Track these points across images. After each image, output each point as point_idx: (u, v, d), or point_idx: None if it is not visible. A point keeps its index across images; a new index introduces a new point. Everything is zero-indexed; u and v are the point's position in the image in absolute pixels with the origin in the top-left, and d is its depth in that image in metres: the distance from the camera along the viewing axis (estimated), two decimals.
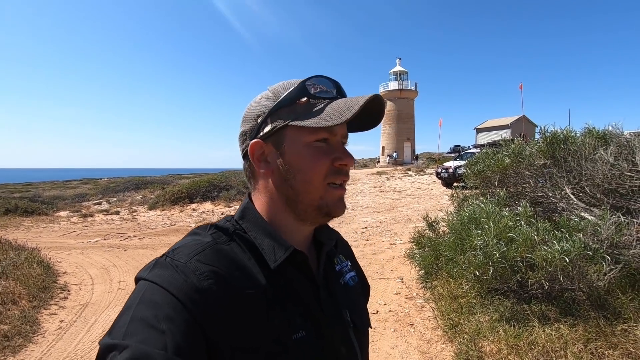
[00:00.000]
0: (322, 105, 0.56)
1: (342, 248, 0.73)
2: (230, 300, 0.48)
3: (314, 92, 0.57)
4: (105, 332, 0.45)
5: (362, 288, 0.74)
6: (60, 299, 4.14)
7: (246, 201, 0.62)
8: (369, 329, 0.69)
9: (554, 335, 2.37)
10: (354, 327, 0.62)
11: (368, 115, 0.60)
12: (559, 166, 3.73)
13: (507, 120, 35.67)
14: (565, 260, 2.36)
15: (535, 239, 2.62)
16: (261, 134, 0.58)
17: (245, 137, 0.60)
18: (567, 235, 2.65)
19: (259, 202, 0.60)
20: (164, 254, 0.52)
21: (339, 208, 0.58)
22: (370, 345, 2.84)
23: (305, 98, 0.56)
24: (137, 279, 0.50)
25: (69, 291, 4.40)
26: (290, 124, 0.55)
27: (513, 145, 3.91)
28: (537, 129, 3.91)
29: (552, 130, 3.64)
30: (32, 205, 12.60)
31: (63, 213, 12.26)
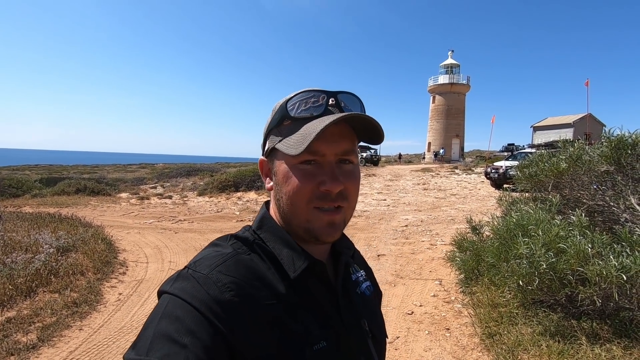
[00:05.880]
0: (306, 125, 0.54)
1: (357, 258, 0.73)
2: (252, 311, 0.49)
3: (295, 113, 0.55)
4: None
5: (376, 295, 0.73)
6: (120, 273, 4.58)
7: (263, 210, 0.62)
8: (386, 339, 0.69)
9: (604, 356, 2.22)
10: (372, 336, 0.61)
11: (365, 132, 0.57)
12: (624, 173, 3.41)
13: (570, 118, 32.74)
14: (623, 278, 2.18)
15: (589, 252, 2.44)
16: (264, 151, 0.61)
17: (262, 150, 0.63)
18: (627, 250, 2.44)
19: (274, 212, 0.61)
20: (186, 266, 0.52)
21: (327, 234, 0.55)
22: (403, 345, 2.85)
23: (289, 120, 0.55)
24: (160, 292, 0.50)
25: (127, 267, 4.85)
26: (275, 146, 0.57)
27: (572, 149, 3.63)
28: (605, 130, 3.56)
29: (618, 134, 3.33)
30: (98, 186, 13.92)
31: (124, 195, 13.40)
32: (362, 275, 0.68)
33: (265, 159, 0.61)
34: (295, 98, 0.55)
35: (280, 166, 0.56)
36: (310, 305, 0.54)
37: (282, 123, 0.56)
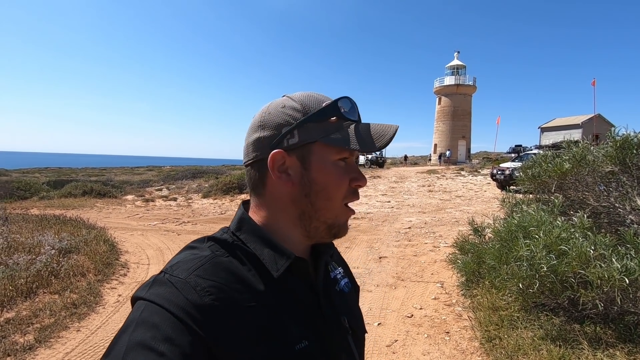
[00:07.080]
0: (352, 126, 0.56)
1: (335, 255, 0.73)
2: (233, 315, 0.47)
3: (343, 113, 0.57)
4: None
5: (354, 290, 0.73)
6: (121, 275, 4.60)
7: (241, 211, 0.60)
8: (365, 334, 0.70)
9: None
10: (352, 333, 0.62)
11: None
12: (629, 174, 3.32)
13: (579, 119, 32.30)
14: (625, 281, 2.11)
15: (590, 254, 2.37)
16: (285, 145, 0.55)
17: (261, 144, 0.57)
18: (632, 253, 2.37)
19: (263, 212, 0.58)
20: (162, 271, 0.51)
21: (345, 229, 0.59)
22: (401, 349, 2.80)
23: (336, 117, 0.56)
24: (135, 299, 0.48)
25: (128, 269, 4.87)
26: (321, 140, 0.54)
27: (575, 149, 3.56)
28: (611, 130, 3.49)
29: (623, 134, 3.25)
30: (105, 188, 14.05)
31: (129, 197, 13.51)
32: (340, 272, 0.69)
33: (284, 153, 0.55)
34: (342, 100, 0.58)
35: (320, 162, 0.55)
36: (292, 305, 0.54)
37: (327, 119, 0.56)
